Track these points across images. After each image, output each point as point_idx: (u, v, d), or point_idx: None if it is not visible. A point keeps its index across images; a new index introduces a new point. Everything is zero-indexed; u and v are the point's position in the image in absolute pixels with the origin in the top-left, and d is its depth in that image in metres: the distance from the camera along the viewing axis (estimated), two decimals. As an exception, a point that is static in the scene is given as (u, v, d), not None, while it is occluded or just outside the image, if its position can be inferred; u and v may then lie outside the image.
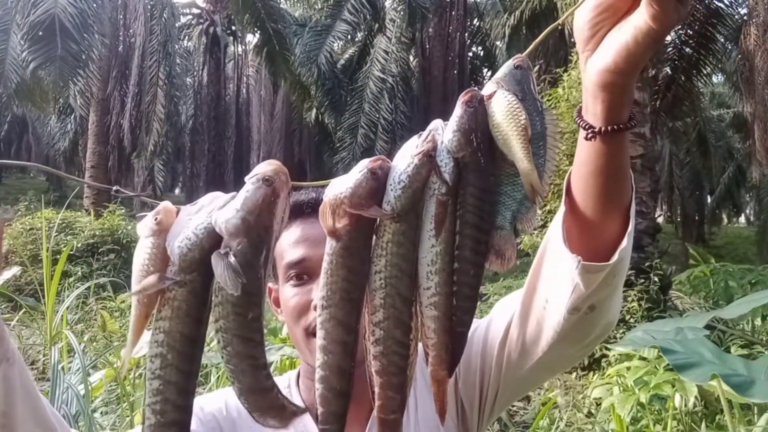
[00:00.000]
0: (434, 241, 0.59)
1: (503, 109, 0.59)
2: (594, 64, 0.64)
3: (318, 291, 0.59)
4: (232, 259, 0.53)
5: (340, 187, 0.58)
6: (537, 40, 0.72)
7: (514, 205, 0.61)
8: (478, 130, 0.59)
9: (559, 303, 0.76)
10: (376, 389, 0.60)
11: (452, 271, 0.60)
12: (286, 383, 0.98)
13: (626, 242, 0.71)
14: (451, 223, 0.60)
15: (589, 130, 0.66)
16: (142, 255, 0.56)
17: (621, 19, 0.62)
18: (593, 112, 0.66)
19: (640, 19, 0.59)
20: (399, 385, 0.60)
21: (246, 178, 0.57)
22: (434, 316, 0.59)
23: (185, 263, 0.55)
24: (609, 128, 0.65)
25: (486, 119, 0.60)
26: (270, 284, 1.00)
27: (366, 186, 0.57)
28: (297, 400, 0.92)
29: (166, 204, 0.58)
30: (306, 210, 0.94)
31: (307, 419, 0.89)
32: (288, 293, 0.92)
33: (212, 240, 0.55)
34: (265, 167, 0.57)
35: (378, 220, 0.59)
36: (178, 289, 0.55)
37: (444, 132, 0.61)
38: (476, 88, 0.62)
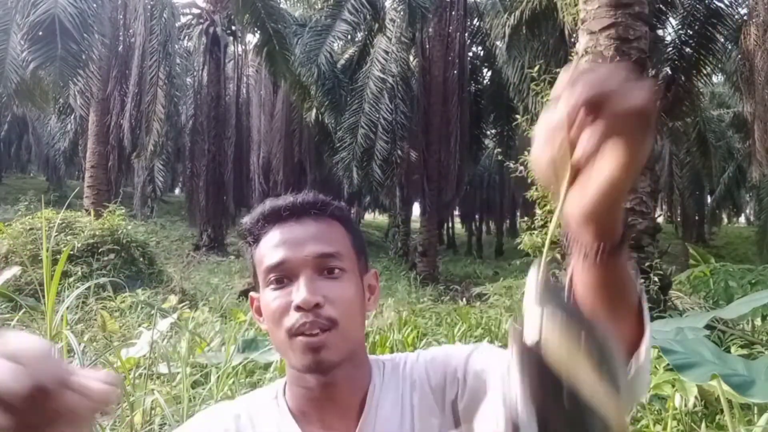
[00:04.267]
0: None
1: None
2: (574, 200, 0.59)
3: None
4: None
5: None
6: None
7: None
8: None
9: None
10: None
11: None
12: (273, 394, 0.96)
13: (645, 346, 0.66)
14: None
15: (581, 255, 0.62)
16: None
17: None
18: (581, 240, 0.62)
19: (611, 167, 0.55)
20: None
21: None
22: None
23: None
24: (604, 250, 0.60)
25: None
26: (252, 294, 1.00)
27: None
28: (284, 411, 0.92)
29: None
30: (284, 213, 0.94)
31: (294, 427, 0.90)
32: (269, 297, 0.91)
33: None
34: None
35: None
36: None
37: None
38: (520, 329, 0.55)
